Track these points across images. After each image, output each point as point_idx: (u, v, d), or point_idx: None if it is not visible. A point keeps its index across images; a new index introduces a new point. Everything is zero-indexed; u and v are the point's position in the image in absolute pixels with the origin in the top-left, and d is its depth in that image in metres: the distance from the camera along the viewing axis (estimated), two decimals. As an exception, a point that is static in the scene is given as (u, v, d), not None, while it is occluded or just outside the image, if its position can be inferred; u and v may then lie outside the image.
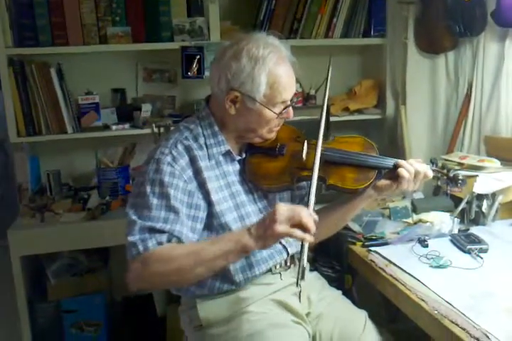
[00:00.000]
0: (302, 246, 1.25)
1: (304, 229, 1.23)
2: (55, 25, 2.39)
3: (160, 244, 1.31)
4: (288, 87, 1.44)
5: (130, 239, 1.32)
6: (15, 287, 2.23)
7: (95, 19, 2.44)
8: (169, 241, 1.33)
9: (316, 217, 1.27)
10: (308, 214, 1.25)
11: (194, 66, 2.53)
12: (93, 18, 2.43)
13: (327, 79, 1.57)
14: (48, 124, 2.43)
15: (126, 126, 2.58)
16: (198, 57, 2.52)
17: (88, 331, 2.41)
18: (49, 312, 2.39)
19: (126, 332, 2.52)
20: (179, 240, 1.34)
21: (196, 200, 1.40)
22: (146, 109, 2.60)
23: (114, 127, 2.55)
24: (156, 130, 2.51)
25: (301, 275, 1.22)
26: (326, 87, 1.57)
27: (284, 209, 1.25)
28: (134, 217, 1.35)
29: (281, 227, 1.22)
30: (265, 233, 1.24)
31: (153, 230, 1.33)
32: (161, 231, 1.33)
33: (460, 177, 1.58)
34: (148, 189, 1.37)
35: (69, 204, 2.41)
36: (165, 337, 2.38)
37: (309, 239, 1.23)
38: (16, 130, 2.39)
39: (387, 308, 1.82)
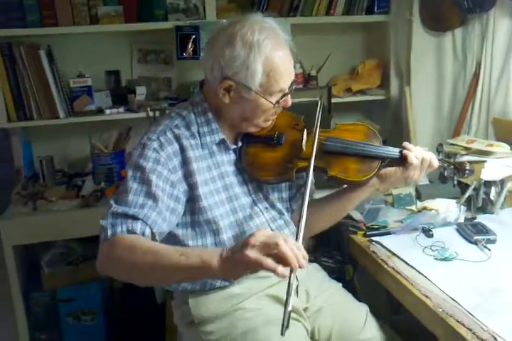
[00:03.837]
0: (289, 284, 1.02)
1: (283, 261, 1.02)
2: (44, 4, 2.32)
3: (131, 231, 1.22)
4: (286, 74, 1.35)
5: (102, 222, 1.25)
6: (9, 277, 2.19)
7: (85, -2, 2.35)
8: (143, 232, 1.22)
9: (304, 253, 1.05)
10: (290, 244, 1.03)
11: (190, 46, 2.46)
12: (83, -4, 2.35)
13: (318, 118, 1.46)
14: (39, 109, 2.37)
15: (121, 109, 2.51)
16: (194, 36, 2.44)
17: (85, 320, 2.38)
18: (45, 301, 2.35)
19: (124, 320, 2.49)
20: (151, 231, 1.24)
21: (177, 192, 1.33)
22: (141, 92, 2.54)
23: (108, 111, 2.48)
24: (151, 114, 2.46)
25: (286, 323, 0.98)
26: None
27: (262, 233, 1.05)
28: (111, 202, 1.29)
29: (251, 253, 1.01)
30: (233, 256, 1.05)
31: (125, 216, 1.24)
32: (135, 218, 1.24)
33: (467, 168, 1.49)
34: (129, 173, 1.32)
35: (62, 192, 2.36)
36: (164, 324, 2.35)
37: (281, 272, 1.00)
38: (6, 115, 2.33)
39: (389, 300, 1.76)
